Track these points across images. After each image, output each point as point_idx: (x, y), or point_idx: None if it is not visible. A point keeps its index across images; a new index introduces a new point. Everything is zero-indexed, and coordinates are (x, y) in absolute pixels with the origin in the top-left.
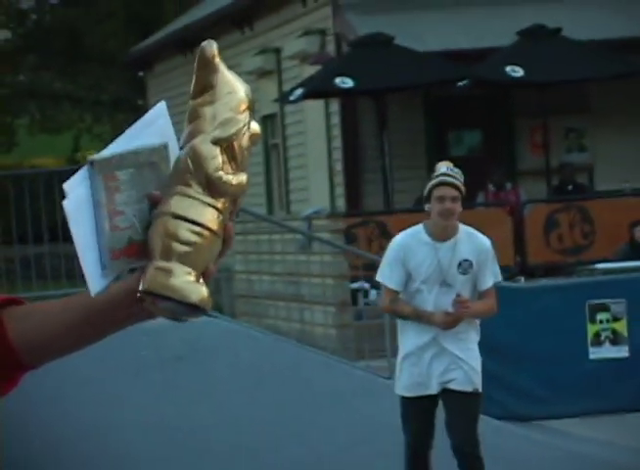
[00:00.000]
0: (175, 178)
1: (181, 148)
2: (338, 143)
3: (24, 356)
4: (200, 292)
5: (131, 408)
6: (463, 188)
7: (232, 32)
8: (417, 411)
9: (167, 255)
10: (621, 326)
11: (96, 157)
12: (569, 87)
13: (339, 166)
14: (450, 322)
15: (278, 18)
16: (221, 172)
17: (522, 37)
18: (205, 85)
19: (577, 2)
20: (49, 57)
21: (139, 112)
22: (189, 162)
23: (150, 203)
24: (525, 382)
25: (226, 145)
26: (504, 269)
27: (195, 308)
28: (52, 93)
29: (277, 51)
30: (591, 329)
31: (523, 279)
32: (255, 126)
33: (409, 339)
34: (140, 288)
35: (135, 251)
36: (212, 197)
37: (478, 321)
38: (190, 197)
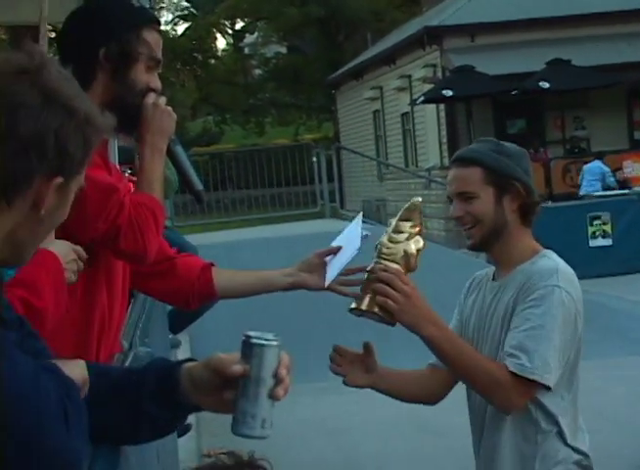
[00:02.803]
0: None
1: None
2: (444, 127)
3: (216, 297)
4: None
5: None
6: None
7: (382, 67)
8: None
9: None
10: (608, 228)
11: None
12: (570, 93)
13: (444, 140)
14: None
15: (410, 57)
16: (416, 264)
17: (548, 65)
18: (410, 219)
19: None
20: (282, 83)
21: (332, 113)
22: (402, 258)
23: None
24: None
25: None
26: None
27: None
28: (284, 103)
29: (409, 76)
30: (590, 229)
31: (550, 202)
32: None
33: None
34: (366, 308)
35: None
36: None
37: None
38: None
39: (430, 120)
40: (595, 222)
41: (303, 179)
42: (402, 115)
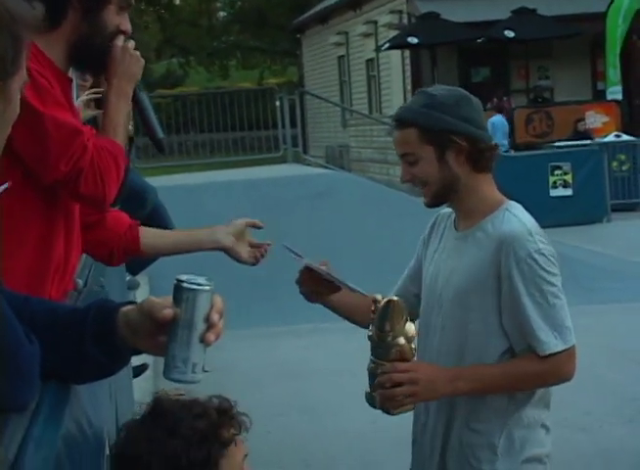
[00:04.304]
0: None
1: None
2: (408, 74)
3: (142, 254)
4: None
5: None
6: None
7: (348, 12)
8: None
9: None
10: (569, 178)
11: None
12: (535, 42)
13: (409, 87)
14: None
15: (376, 2)
16: (412, 352)
17: (514, 14)
18: (393, 316)
19: None
20: (247, 26)
21: (297, 57)
22: (395, 354)
23: None
24: None
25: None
26: (501, 145)
27: None
28: (249, 46)
29: (375, 22)
30: (551, 179)
31: (512, 151)
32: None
33: None
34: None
35: None
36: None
37: None
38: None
39: (394, 67)
40: (556, 172)
41: (266, 123)
42: (367, 61)
